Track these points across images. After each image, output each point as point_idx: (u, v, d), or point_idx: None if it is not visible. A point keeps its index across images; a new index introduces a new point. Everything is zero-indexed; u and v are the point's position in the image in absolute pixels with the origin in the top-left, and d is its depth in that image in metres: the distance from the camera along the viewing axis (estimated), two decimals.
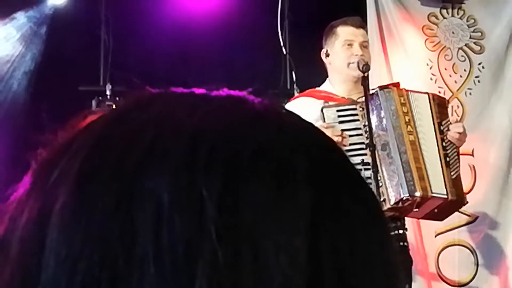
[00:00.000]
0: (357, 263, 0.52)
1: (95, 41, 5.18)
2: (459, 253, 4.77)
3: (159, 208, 0.49)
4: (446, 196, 3.72)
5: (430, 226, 4.58)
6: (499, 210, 4.81)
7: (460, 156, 3.90)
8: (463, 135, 3.84)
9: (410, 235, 4.31)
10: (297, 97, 4.18)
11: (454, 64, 5.00)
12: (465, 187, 4.21)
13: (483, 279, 4.74)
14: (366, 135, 3.70)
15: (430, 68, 4.97)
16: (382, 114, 3.78)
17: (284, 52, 5.16)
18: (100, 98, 5.00)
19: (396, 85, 4.00)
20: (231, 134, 0.52)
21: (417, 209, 3.71)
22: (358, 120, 3.75)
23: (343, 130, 3.70)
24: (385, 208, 3.58)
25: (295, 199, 0.51)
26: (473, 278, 4.74)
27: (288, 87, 5.19)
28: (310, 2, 5.13)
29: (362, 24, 4.08)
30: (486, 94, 4.96)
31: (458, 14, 5.06)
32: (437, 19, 5.04)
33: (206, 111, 0.54)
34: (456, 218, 4.48)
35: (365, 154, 3.65)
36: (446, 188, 3.72)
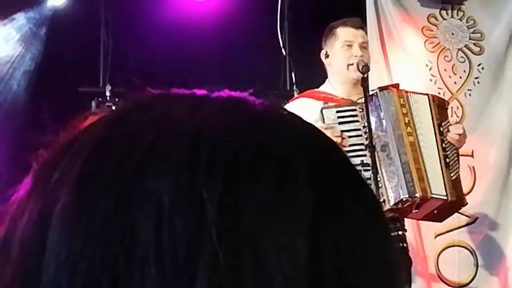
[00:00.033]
0: (358, 264, 0.52)
1: (94, 42, 5.18)
2: (459, 254, 4.77)
3: (159, 209, 0.49)
4: (445, 197, 3.72)
5: (430, 227, 4.58)
6: (499, 211, 4.81)
7: (460, 157, 3.90)
8: (463, 137, 3.84)
9: (410, 236, 4.32)
10: (296, 98, 4.18)
11: (453, 65, 5.00)
12: (465, 188, 4.21)
13: (482, 280, 4.74)
14: (365, 136, 3.70)
15: (430, 69, 4.97)
16: (382, 115, 3.78)
17: (284, 53, 5.16)
18: (100, 99, 5.00)
19: (396, 86, 4.00)
20: (232, 135, 0.52)
21: (416, 210, 3.71)
22: (357, 121, 3.75)
23: (342, 131, 3.70)
24: (384, 209, 3.58)
25: (296, 200, 0.51)
26: (473, 279, 4.74)
27: (288, 88, 5.19)
28: (309, 3, 5.13)
29: (362, 25, 4.08)
30: (485, 95, 4.96)
31: (457, 15, 5.06)
32: (437, 20, 5.04)
33: (207, 112, 0.54)
34: (455, 219, 4.48)
35: (365, 155, 3.65)
36: (445, 189, 3.73)
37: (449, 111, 4.08)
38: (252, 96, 0.58)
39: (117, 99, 4.91)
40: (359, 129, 3.74)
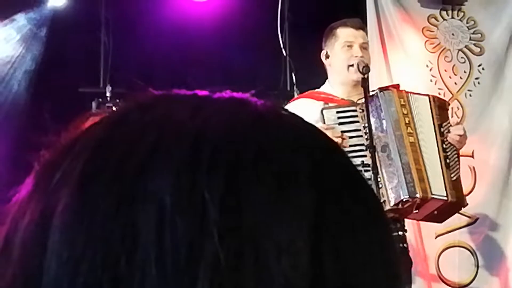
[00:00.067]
0: (358, 264, 0.52)
1: (95, 43, 5.18)
2: (460, 255, 4.77)
3: (161, 210, 0.49)
4: (446, 198, 3.72)
5: (431, 228, 4.58)
6: (499, 212, 4.81)
7: (460, 158, 3.90)
8: (463, 137, 3.84)
9: (410, 237, 4.32)
10: (297, 98, 4.18)
11: (454, 65, 5.00)
12: (465, 188, 4.21)
13: (483, 281, 4.74)
14: (366, 137, 3.70)
15: (430, 69, 4.97)
16: (382, 116, 3.78)
17: (284, 53, 5.16)
18: (100, 99, 5.00)
19: (396, 86, 4.00)
20: (233, 136, 0.52)
21: (416, 211, 3.71)
22: (358, 121, 3.75)
23: (343, 132, 3.70)
24: (385, 209, 3.58)
25: (297, 201, 0.51)
26: (474, 279, 4.74)
27: (288, 88, 5.19)
28: (310, 3, 5.13)
29: (362, 25, 4.08)
30: (486, 95, 4.96)
31: (458, 16, 5.06)
32: (437, 20, 5.04)
33: (208, 113, 0.54)
34: (456, 219, 4.48)
35: (365, 156, 3.65)
36: (446, 189, 3.73)
37: (449, 112, 4.08)
38: (253, 96, 0.58)
39: (117, 100, 4.91)
40: (360, 130, 3.74)
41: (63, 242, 0.50)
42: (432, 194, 3.69)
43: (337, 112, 3.77)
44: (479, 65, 5.00)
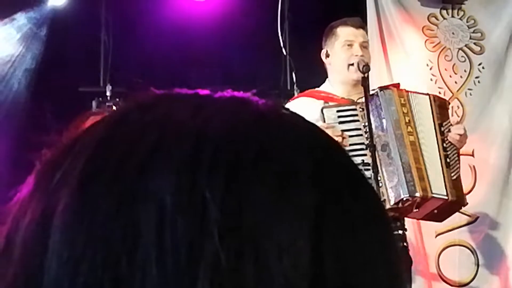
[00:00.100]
0: (359, 263, 0.52)
1: (95, 42, 5.18)
2: (460, 253, 4.77)
3: (161, 209, 0.49)
4: (446, 197, 3.72)
5: (431, 227, 4.58)
6: (500, 211, 4.81)
7: (460, 157, 3.90)
8: (463, 137, 3.84)
9: (410, 236, 4.31)
10: (297, 97, 4.18)
11: (454, 64, 4.99)
12: (466, 187, 4.21)
13: (483, 279, 4.74)
14: (366, 136, 3.70)
15: (430, 68, 4.97)
16: (382, 115, 3.78)
17: (284, 53, 5.16)
18: (100, 99, 5.00)
19: (396, 85, 4.00)
20: (235, 136, 0.52)
21: (417, 210, 3.71)
22: (358, 120, 3.75)
23: (343, 131, 3.70)
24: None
25: (297, 201, 0.51)
26: (474, 278, 4.74)
27: (289, 88, 5.19)
28: (310, 3, 5.13)
29: (362, 24, 4.08)
30: (486, 94, 4.96)
31: (458, 15, 5.06)
32: (437, 19, 5.04)
33: (209, 113, 0.54)
34: (456, 218, 4.48)
35: (365, 155, 3.65)
36: (446, 188, 3.73)
37: (449, 111, 4.08)
38: (254, 96, 0.58)
39: (117, 99, 4.91)
40: (360, 129, 3.74)
41: (64, 242, 0.50)
42: (432, 193, 3.69)
43: (337, 111, 3.77)
44: (479, 64, 4.99)
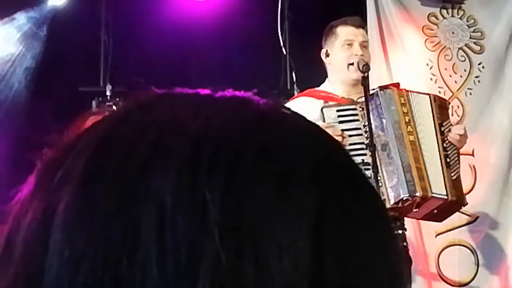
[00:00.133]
0: (359, 263, 0.52)
1: (95, 42, 5.18)
2: (460, 253, 4.77)
3: (162, 209, 0.49)
4: (446, 197, 3.72)
5: (431, 226, 4.58)
6: (500, 210, 4.81)
7: (460, 156, 3.90)
8: (464, 137, 3.84)
9: (410, 235, 4.31)
10: (297, 97, 4.18)
11: (454, 64, 4.99)
12: (466, 187, 4.21)
13: (483, 279, 4.74)
14: (366, 135, 3.70)
15: (430, 68, 4.97)
16: (382, 115, 3.78)
17: (284, 52, 5.16)
18: (100, 98, 5.00)
19: (396, 85, 4.00)
20: (235, 135, 0.52)
21: (416, 210, 3.70)
22: (358, 120, 3.75)
23: (343, 130, 3.70)
24: None
25: (298, 201, 0.51)
26: (474, 278, 4.74)
27: (289, 87, 5.19)
28: (310, 2, 5.13)
29: (362, 24, 4.08)
30: (486, 94, 4.95)
31: (458, 14, 5.06)
32: (437, 19, 5.04)
33: (210, 112, 0.54)
34: (456, 218, 4.48)
35: (365, 154, 3.65)
36: (446, 188, 3.72)
37: (449, 111, 4.08)
38: (255, 95, 0.58)
39: (117, 99, 4.91)
40: (360, 128, 3.74)
41: (64, 241, 0.50)
42: (432, 192, 3.69)
43: (337, 110, 3.77)
44: (479, 64, 4.99)
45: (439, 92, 4.68)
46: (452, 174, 3.79)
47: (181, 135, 0.52)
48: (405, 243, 3.79)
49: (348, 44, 3.89)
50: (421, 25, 5.00)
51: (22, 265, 0.52)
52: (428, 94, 3.99)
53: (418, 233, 4.69)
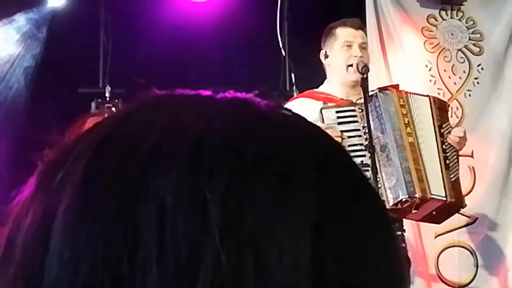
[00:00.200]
0: (360, 263, 0.52)
1: (94, 43, 5.19)
2: (459, 254, 4.77)
3: (162, 209, 0.49)
4: (445, 198, 3.72)
5: (430, 228, 4.58)
6: (499, 211, 4.81)
7: (460, 158, 3.90)
8: (463, 139, 3.84)
9: (410, 237, 4.32)
10: (296, 98, 4.18)
11: (453, 65, 5.00)
12: (465, 188, 4.21)
13: (483, 280, 4.74)
14: (365, 137, 3.70)
15: (429, 69, 4.97)
16: (381, 116, 3.78)
17: (283, 53, 5.16)
18: (100, 100, 5.00)
19: (395, 86, 4.00)
20: (236, 136, 0.52)
21: (415, 211, 3.70)
22: (357, 121, 3.75)
23: (342, 131, 3.70)
24: None
25: (298, 201, 0.51)
26: (473, 279, 4.74)
27: (288, 88, 5.19)
28: (309, 3, 5.13)
29: (361, 25, 4.08)
30: (485, 95, 4.96)
31: (457, 16, 5.06)
32: (436, 20, 5.04)
33: (211, 113, 0.54)
34: (455, 219, 4.48)
35: (364, 156, 3.65)
36: (445, 190, 3.73)
37: (449, 113, 4.09)
38: (257, 97, 0.58)
39: (116, 100, 4.91)
40: (359, 130, 3.74)
41: (65, 242, 0.50)
42: (431, 194, 3.69)
43: (336, 112, 3.77)
44: (479, 65, 5.00)
45: (438, 94, 4.68)
46: (451, 176, 3.79)
47: (182, 135, 0.52)
48: (404, 244, 3.79)
49: (347, 46, 3.89)
50: (420, 27, 5.00)
51: (22, 266, 0.52)
52: (427, 96, 3.99)
53: (418, 235, 4.69)
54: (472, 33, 5.04)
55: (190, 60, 5.27)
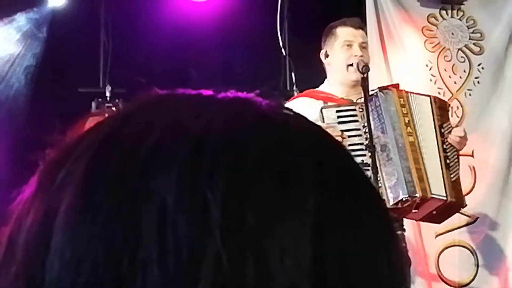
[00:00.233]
0: (361, 263, 0.52)
1: (94, 43, 5.19)
2: (460, 254, 4.77)
3: (163, 209, 0.49)
4: (445, 198, 3.72)
5: (430, 227, 4.58)
6: (499, 211, 4.81)
7: (460, 157, 3.90)
8: (464, 139, 3.84)
9: (410, 236, 4.32)
10: (296, 97, 4.18)
11: (453, 65, 5.00)
12: (465, 188, 4.21)
13: (483, 280, 4.74)
14: (365, 136, 3.70)
15: (430, 69, 4.97)
16: (382, 115, 3.78)
17: (284, 53, 5.16)
18: (100, 99, 5.00)
19: (396, 86, 4.00)
20: (237, 136, 0.52)
21: (416, 210, 3.70)
22: (357, 121, 3.75)
23: (342, 131, 3.70)
24: None
25: (299, 201, 0.51)
26: (474, 279, 4.74)
27: (288, 88, 5.19)
28: (309, 3, 5.13)
29: (361, 25, 4.08)
30: (485, 95, 4.96)
31: (457, 15, 5.06)
32: (437, 20, 5.04)
33: (212, 113, 0.54)
34: (456, 219, 4.48)
35: (365, 155, 3.65)
36: (445, 189, 3.72)
37: (449, 112, 4.08)
38: (257, 96, 0.58)
39: (117, 100, 4.91)
40: (359, 129, 3.74)
41: (66, 241, 0.50)
42: (431, 193, 3.69)
43: (337, 111, 3.77)
44: (479, 65, 5.00)
45: (439, 93, 4.68)
46: (452, 176, 3.79)
47: (182, 135, 0.52)
48: (404, 244, 3.79)
49: (348, 45, 3.89)
50: (421, 26, 5.00)
51: (23, 266, 0.52)
52: (428, 95, 3.99)
53: (418, 234, 4.69)
54: (473, 32, 5.04)
55: (191, 60, 5.27)
